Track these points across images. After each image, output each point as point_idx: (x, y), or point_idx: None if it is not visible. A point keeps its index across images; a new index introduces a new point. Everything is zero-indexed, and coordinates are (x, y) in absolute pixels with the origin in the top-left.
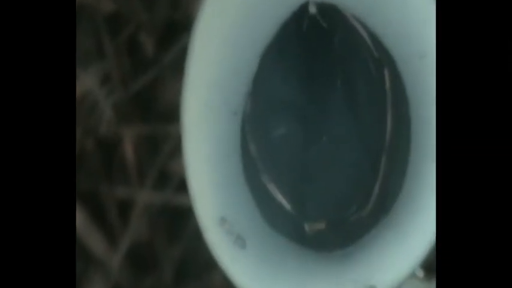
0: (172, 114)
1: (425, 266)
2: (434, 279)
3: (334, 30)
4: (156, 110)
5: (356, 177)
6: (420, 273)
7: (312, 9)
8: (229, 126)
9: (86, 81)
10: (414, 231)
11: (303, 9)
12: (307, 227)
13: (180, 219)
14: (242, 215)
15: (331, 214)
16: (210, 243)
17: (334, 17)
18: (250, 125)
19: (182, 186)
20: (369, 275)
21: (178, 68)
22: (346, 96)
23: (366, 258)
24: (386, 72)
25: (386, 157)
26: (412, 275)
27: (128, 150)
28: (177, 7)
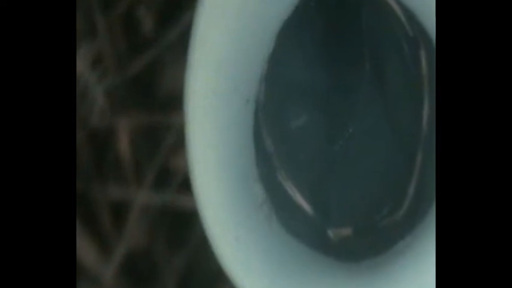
0: (174, 103)
1: None
2: None
3: (361, 4)
4: (155, 97)
5: (388, 176)
6: None
7: None
8: (241, 116)
9: None
10: None
11: None
12: (331, 233)
13: (183, 224)
14: (256, 218)
15: (358, 218)
16: (218, 252)
17: None
18: (264, 114)
19: (186, 185)
20: None
21: (181, 48)
22: (376, 82)
23: (400, 269)
24: (422, 54)
25: (422, 153)
26: None
27: (123, 144)
28: None
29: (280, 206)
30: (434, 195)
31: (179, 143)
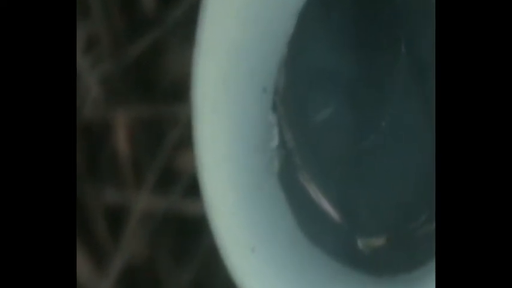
0: (179, 92)
1: None
2: None
3: None
4: (158, 86)
5: (426, 178)
6: None
7: None
8: (257, 108)
9: None
10: None
11: None
12: (361, 243)
13: (190, 233)
14: (274, 226)
15: (393, 227)
16: (230, 265)
17: None
18: (284, 105)
19: (192, 188)
20: None
21: (187, 29)
22: (412, 68)
23: None
24: None
25: None
26: None
27: (121, 140)
28: None
29: (302, 211)
30: None
31: (185, 139)
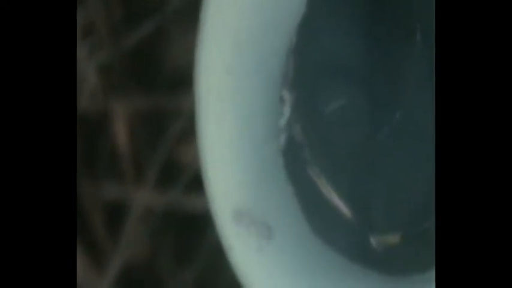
0: (181, 82)
1: None
2: None
3: None
4: (159, 75)
5: None
6: None
7: None
8: (263, 98)
9: None
10: None
11: None
12: (374, 241)
13: (193, 231)
14: (282, 223)
15: (407, 224)
16: (236, 264)
17: None
18: (293, 95)
19: (196, 183)
20: None
21: (190, 15)
22: (428, 58)
23: None
24: None
25: None
26: None
27: (120, 132)
28: None
29: (312, 207)
30: None
31: (188, 132)
